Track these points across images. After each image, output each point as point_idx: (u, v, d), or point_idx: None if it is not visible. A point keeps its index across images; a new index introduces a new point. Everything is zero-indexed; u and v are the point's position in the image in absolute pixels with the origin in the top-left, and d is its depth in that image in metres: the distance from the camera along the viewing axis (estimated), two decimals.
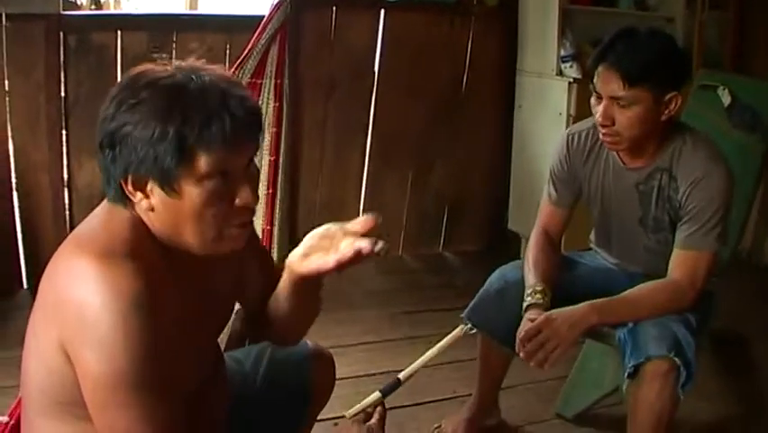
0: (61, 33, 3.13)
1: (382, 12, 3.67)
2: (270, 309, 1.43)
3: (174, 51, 3.32)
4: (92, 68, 3.21)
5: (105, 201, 1.20)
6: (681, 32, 3.76)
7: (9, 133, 3.13)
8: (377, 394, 1.54)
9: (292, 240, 3.74)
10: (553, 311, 1.90)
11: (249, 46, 3.28)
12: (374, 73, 3.74)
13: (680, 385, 1.79)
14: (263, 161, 3.42)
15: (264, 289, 1.45)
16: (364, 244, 1.22)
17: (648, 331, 1.85)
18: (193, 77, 1.13)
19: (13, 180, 3.22)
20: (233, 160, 1.14)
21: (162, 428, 1.11)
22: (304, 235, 1.30)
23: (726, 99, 2.68)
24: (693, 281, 1.91)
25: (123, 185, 1.14)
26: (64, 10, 3.13)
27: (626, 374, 1.86)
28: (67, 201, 3.31)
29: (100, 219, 1.19)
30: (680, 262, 1.93)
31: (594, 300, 1.91)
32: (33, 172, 3.20)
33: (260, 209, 3.43)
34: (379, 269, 3.87)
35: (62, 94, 3.19)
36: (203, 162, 1.11)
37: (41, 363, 1.16)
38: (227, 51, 3.41)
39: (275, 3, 3.05)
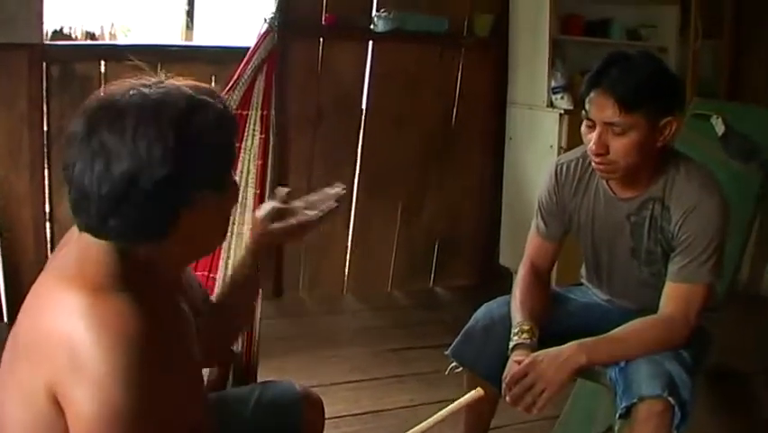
0: (44, 64, 3.09)
1: (370, 43, 3.65)
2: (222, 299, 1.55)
3: None
4: (75, 99, 3.14)
5: (77, 233, 1.15)
6: (674, 62, 3.74)
7: None
8: None
9: (277, 279, 3.68)
10: (540, 352, 1.82)
11: (235, 77, 3.22)
12: (362, 105, 3.70)
13: (674, 426, 1.70)
14: (248, 193, 3.35)
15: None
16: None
17: (640, 369, 1.76)
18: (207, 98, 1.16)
19: None
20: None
21: None
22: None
23: (720, 128, 2.62)
24: (687, 316, 1.82)
25: (184, 215, 1.11)
26: (52, 40, 3.09)
27: (617, 415, 1.77)
28: (48, 234, 3.24)
29: (80, 251, 1.13)
30: (672, 296, 1.84)
31: (582, 340, 1.82)
32: (15, 205, 3.14)
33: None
34: (367, 305, 3.79)
35: (45, 125, 3.14)
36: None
37: (24, 410, 1.07)
38: (212, 83, 3.36)
39: (262, 32, 3.00)
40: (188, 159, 1.09)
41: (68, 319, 1.03)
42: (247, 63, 3.20)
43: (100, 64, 3.21)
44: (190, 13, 3.41)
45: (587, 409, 2.38)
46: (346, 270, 3.87)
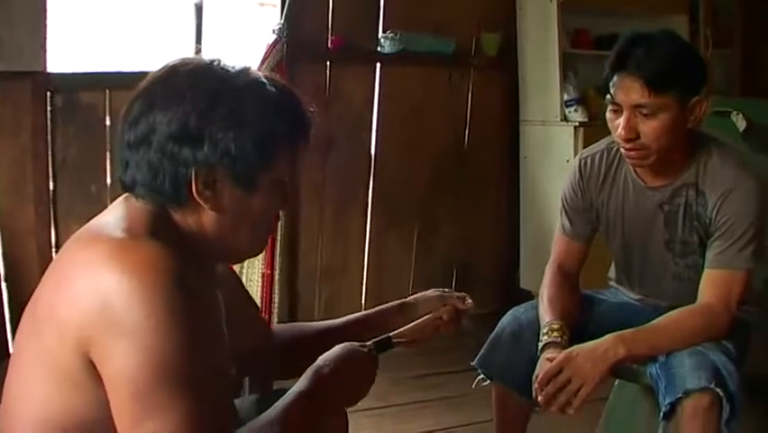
0: (48, 92, 3.03)
1: (378, 66, 3.60)
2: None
3: None
4: (80, 128, 3.10)
5: (117, 201, 1.13)
6: None
7: None
8: (370, 345, 1.33)
9: (292, 306, 3.58)
10: (575, 347, 1.71)
11: None
12: (372, 129, 3.64)
13: (723, 422, 1.58)
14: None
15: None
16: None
17: (683, 362, 1.64)
18: (262, 79, 1.13)
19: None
20: (298, 164, 1.17)
21: (210, 423, 0.98)
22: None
23: (742, 124, 2.53)
24: (727, 304, 1.72)
25: (193, 181, 1.07)
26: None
27: (661, 415, 1.65)
28: None
29: (116, 212, 1.10)
30: (712, 284, 1.74)
31: (620, 332, 1.71)
32: (20, 237, 3.05)
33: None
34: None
35: (49, 155, 3.07)
36: (284, 162, 1.13)
37: (48, 377, 1.02)
38: None
39: (270, 42, 2.98)
40: (213, 128, 1.06)
41: (96, 271, 0.98)
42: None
43: (105, 93, 3.15)
44: (198, 38, 3.38)
45: (625, 422, 2.24)
46: (363, 296, 3.77)
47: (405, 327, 1.44)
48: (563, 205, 2.00)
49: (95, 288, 0.97)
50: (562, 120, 3.53)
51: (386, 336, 1.38)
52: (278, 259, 2.91)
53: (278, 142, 1.11)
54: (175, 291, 0.97)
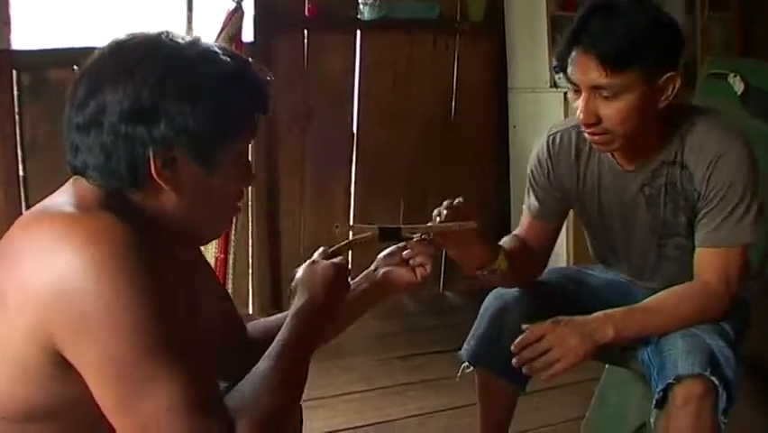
0: (14, 71, 2.90)
1: (358, 33, 3.45)
2: None
3: None
4: (49, 107, 2.93)
5: (66, 184, 1.05)
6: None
7: None
8: (374, 229, 1.34)
9: (275, 289, 3.46)
10: (564, 317, 1.58)
11: None
12: (354, 100, 3.50)
13: (720, 411, 1.46)
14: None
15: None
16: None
17: (676, 345, 1.51)
18: (215, 49, 1.06)
19: None
20: (253, 137, 1.10)
21: (203, 382, 0.95)
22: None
23: (739, 87, 2.40)
24: (727, 283, 1.57)
25: (151, 162, 1.00)
26: None
27: (653, 403, 1.52)
28: None
29: (65, 192, 1.03)
30: (707, 262, 1.59)
31: (610, 310, 1.58)
32: None
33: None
34: (372, 312, 3.52)
35: (18, 136, 2.95)
36: (244, 134, 1.08)
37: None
38: None
39: (229, 10, 2.81)
40: (168, 103, 0.99)
41: (47, 250, 0.91)
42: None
43: (74, 69, 3.02)
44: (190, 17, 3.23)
45: (616, 406, 2.12)
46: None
47: (417, 225, 1.39)
48: (530, 182, 1.81)
49: (47, 269, 0.90)
50: (551, 86, 3.38)
51: (397, 225, 1.36)
52: (232, 243, 2.78)
53: (236, 114, 1.05)
54: (133, 261, 0.91)
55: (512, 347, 1.56)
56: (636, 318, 1.58)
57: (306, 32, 3.35)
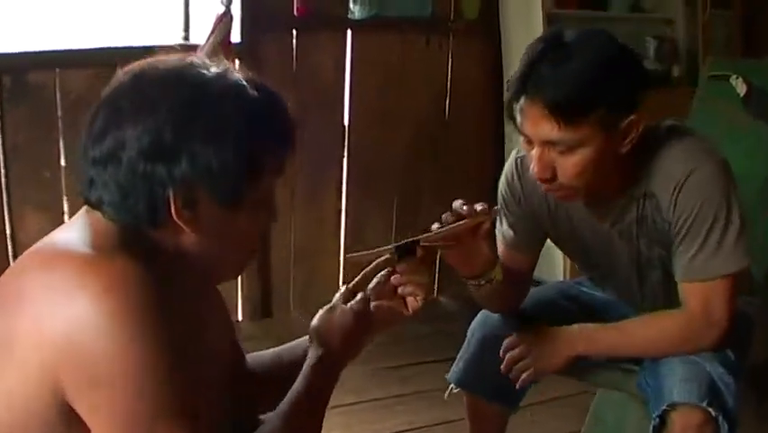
0: None
1: (349, 32, 3.35)
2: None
3: None
4: (32, 111, 2.88)
5: (79, 215, 1.01)
6: (681, 35, 3.49)
7: None
8: (390, 249, 1.25)
9: (264, 294, 3.38)
10: (546, 328, 1.59)
11: None
12: (345, 101, 3.41)
13: None
14: None
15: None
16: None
17: (674, 370, 1.44)
18: (242, 82, 1.00)
19: None
20: (281, 174, 1.06)
21: None
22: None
23: (741, 88, 2.30)
24: (711, 315, 1.45)
25: (171, 202, 0.95)
26: None
27: (651, 429, 1.44)
28: (11, 259, 2.91)
29: (80, 227, 0.98)
30: (689, 294, 1.47)
31: (585, 325, 1.55)
32: None
33: None
34: None
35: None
36: (271, 173, 1.02)
37: (11, 427, 0.90)
38: None
39: (218, 15, 2.74)
40: (191, 142, 0.94)
41: (62, 295, 0.87)
42: (200, 52, 2.94)
43: (56, 72, 2.92)
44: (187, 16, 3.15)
45: (612, 426, 2.04)
46: (340, 282, 3.53)
47: (431, 232, 1.30)
48: (501, 207, 1.66)
49: (61, 316, 0.86)
50: None
51: (412, 238, 1.26)
52: None
53: (264, 153, 1.00)
54: (149, 314, 0.88)
55: (500, 352, 1.59)
56: (609, 336, 1.53)
57: (294, 31, 3.25)
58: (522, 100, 1.37)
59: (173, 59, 1.01)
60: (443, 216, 1.35)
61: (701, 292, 1.45)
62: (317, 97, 3.35)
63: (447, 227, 1.31)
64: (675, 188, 1.42)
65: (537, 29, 3.27)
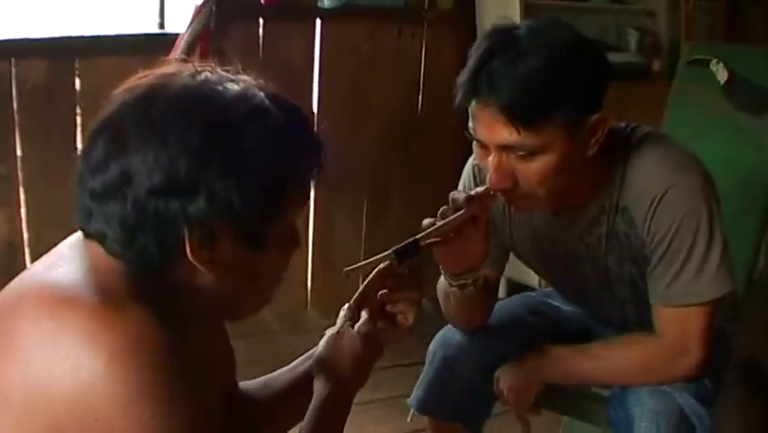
0: None
1: (318, 21, 3.23)
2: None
3: (78, 80, 2.84)
4: None
5: (74, 243, 0.92)
6: (664, 28, 3.41)
7: None
8: (390, 254, 1.15)
9: None
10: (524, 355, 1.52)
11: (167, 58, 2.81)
12: (313, 93, 3.29)
13: None
14: None
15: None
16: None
17: (642, 401, 1.35)
18: (266, 102, 0.91)
19: None
20: (306, 202, 0.99)
21: None
22: None
23: (723, 75, 2.11)
24: (687, 344, 1.35)
25: (186, 242, 0.86)
26: None
27: None
28: None
29: (81, 263, 0.88)
30: (664, 321, 1.37)
31: (553, 347, 1.48)
32: None
33: None
34: (334, 321, 3.35)
35: None
36: (297, 203, 0.95)
37: None
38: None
39: (197, 6, 2.62)
40: (209, 175, 0.84)
41: (73, 351, 0.78)
42: (180, 42, 2.81)
43: (11, 62, 2.78)
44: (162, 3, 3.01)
45: None
46: (309, 281, 3.47)
47: (432, 228, 1.22)
48: None
49: (68, 377, 0.78)
50: None
51: (412, 239, 1.18)
52: None
53: (290, 184, 0.91)
54: (164, 380, 0.80)
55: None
56: (573, 361, 1.45)
57: (261, 20, 3.12)
58: (473, 103, 1.25)
59: (184, 75, 0.89)
60: (441, 209, 1.25)
61: (678, 319, 1.34)
62: (284, 88, 3.19)
63: (448, 220, 1.22)
64: (652, 204, 1.31)
65: (515, 20, 3.15)
